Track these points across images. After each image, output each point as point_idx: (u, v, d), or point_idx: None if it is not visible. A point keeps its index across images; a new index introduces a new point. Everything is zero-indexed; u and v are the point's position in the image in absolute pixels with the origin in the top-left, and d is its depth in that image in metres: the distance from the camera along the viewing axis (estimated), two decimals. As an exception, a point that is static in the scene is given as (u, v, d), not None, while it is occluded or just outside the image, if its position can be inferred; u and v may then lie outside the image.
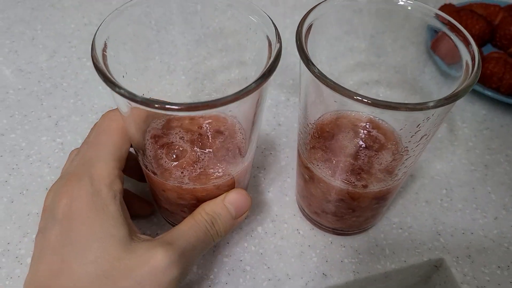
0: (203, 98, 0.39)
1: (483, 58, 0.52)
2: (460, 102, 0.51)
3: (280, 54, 0.26)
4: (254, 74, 0.33)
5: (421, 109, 0.24)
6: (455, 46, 0.28)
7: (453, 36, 0.29)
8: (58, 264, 0.26)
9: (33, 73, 0.51)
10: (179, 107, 0.22)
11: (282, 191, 0.42)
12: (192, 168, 0.31)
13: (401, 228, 0.39)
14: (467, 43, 0.28)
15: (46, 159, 0.43)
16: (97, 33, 0.26)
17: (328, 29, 0.32)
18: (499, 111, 0.51)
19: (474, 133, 0.48)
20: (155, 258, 0.26)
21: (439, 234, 0.39)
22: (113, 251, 0.26)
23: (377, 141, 0.34)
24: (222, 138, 0.33)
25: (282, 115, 0.49)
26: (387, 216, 0.40)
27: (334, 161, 0.33)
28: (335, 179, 0.32)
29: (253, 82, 0.24)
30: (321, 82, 0.26)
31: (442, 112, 0.27)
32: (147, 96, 0.34)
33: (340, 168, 0.33)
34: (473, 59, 0.27)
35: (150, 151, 0.32)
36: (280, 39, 0.27)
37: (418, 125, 0.27)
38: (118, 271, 0.26)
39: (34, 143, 0.44)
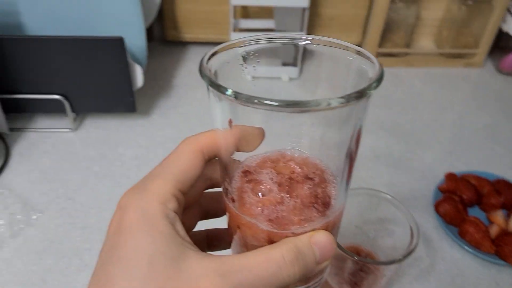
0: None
1: (464, 219, 0.60)
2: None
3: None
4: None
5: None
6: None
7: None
8: (103, 281, 0.24)
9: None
10: (279, 104, 0.22)
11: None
12: (273, 208, 0.29)
13: None
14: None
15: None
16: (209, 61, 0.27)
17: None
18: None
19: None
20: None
21: None
22: (162, 269, 0.23)
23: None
24: (311, 185, 0.31)
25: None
26: None
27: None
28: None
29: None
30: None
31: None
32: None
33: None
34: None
35: (237, 182, 0.31)
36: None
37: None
38: None
39: None
